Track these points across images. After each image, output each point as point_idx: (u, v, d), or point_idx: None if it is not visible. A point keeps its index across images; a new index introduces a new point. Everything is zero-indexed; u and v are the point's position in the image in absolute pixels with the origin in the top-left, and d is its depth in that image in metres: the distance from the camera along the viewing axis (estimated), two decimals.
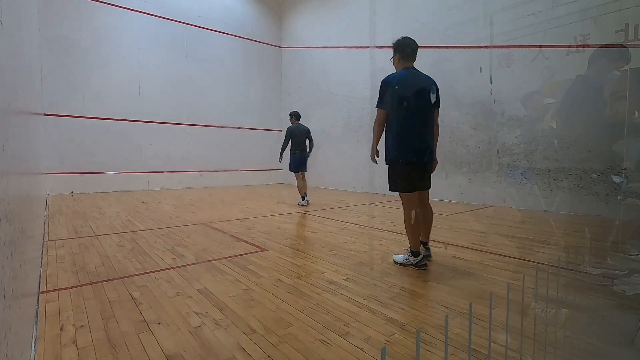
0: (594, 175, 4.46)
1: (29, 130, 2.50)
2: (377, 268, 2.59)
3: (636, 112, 2.28)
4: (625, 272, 2.22)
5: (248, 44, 10.46)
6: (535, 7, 5.10)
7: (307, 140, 5.97)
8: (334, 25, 9.16)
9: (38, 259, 2.55)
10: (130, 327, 1.66)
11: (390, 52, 2.72)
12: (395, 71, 2.69)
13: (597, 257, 2.38)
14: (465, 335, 1.58)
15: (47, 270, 2.51)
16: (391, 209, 5.59)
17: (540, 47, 5.02)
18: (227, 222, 4.42)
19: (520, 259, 2.82)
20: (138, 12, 8.36)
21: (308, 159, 6.01)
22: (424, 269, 2.52)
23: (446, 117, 6.42)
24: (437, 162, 2.77)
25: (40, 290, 2.14)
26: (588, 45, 4.48)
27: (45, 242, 3.33)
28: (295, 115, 6.07)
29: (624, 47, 3.39)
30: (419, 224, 2.58)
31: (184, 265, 2.64)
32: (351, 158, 8.69)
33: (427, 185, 2.71)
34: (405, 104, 2.51)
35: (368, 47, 8.21)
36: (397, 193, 2.64)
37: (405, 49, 2.61)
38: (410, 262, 2.57)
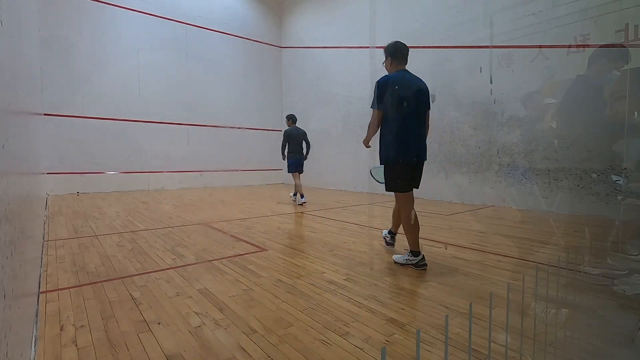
0: (594, 175, 4.46)
1: (29, 130, 2.50)
2: (377, 268, 2.59)
3: (636, 112, 2.28)
4: (625, 272, 2.22)
5: (248, 44, 10.46)
6: (535, 7, 5.10)
7: (304, 143, 6.17)
8: (334, 25, 9.15)
9: (38, 259, 2.55)
10: (130, 327, 1.66)
11: None
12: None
13: (597, 257, 2.39)
14: (465, 335, 1.58)
15: (47, 270, 2.51)
16: (391, 209, 5.57)
17: (540, 47, 5.02)
18: (227, 222, 4.42)
19: (520, 259, 2.82)
20: (138, 12, 8.36)
21: (305, 161, 6.27)
22: (424, 269, 2.52)
23: (446, 117, 6.43)
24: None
25: (40, 290, 2.14)
26: (588, 46, 4.48)
27: (45, 242, 3.33)
28: (291, 119, 6.26)
29: (624, 47, 3.40)
30: (418, 223, 2.61)
31: (184, 265, 2.64)
32: (351, 158, 8.69)
33: (418, 185, 2.75)
34: (403, 105, 2.54)
35: (368, 47, 8.21)
36: (393, 193, 2.67)
37: (396, 52, 2.66)
38: (410, 262, 2.58)
